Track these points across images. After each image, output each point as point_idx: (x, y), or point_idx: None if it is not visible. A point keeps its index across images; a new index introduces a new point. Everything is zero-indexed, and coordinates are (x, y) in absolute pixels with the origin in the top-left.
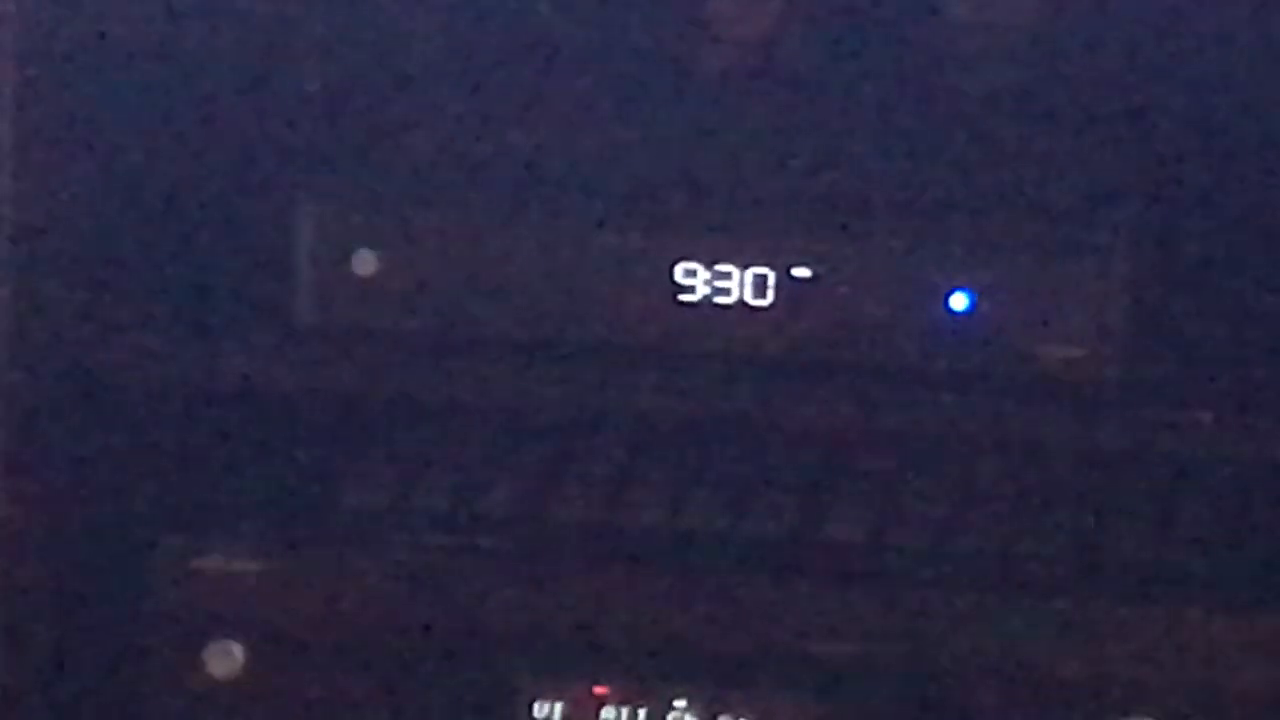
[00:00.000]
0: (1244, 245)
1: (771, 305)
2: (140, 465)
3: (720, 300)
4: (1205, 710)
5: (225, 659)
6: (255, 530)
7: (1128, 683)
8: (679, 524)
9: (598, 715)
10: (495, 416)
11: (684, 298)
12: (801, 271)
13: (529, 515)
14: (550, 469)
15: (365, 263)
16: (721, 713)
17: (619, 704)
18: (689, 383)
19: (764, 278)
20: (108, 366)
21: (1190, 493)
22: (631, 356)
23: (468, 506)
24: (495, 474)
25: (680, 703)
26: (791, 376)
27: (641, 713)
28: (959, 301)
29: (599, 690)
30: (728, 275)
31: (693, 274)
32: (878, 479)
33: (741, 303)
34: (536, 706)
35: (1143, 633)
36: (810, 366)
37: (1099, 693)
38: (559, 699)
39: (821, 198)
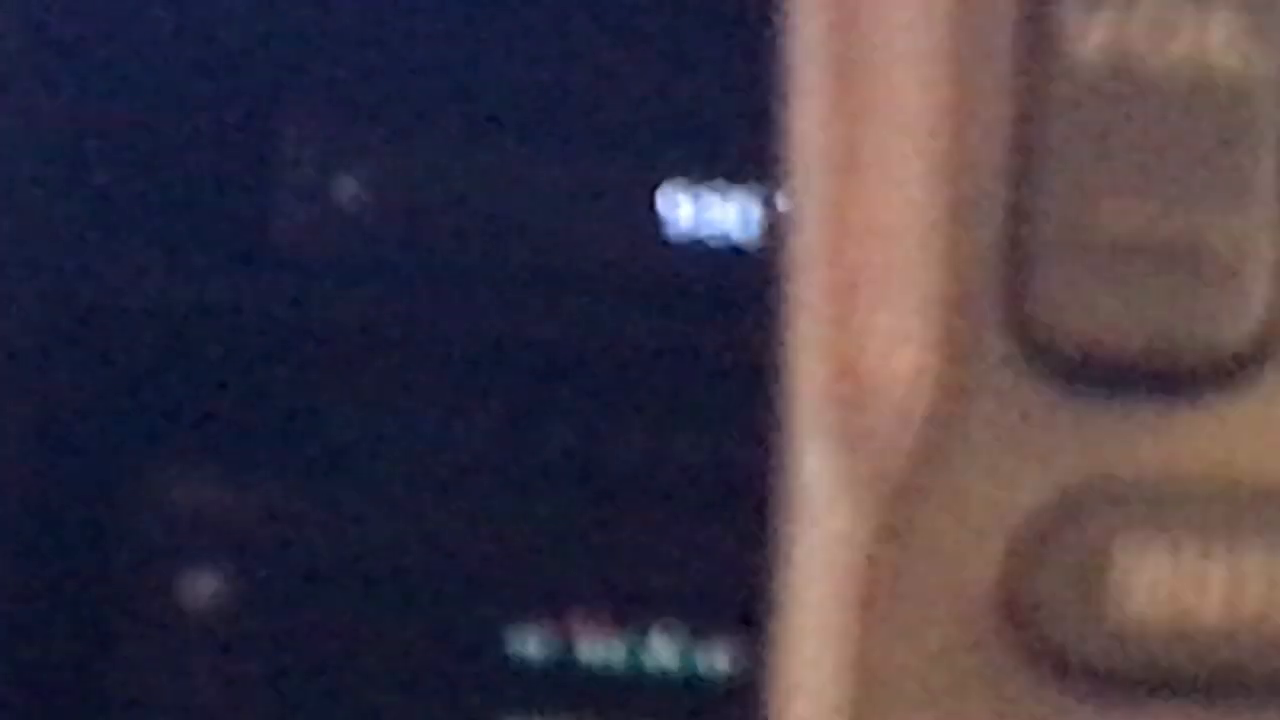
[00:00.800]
0: None
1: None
2: (115, 393)
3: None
4: None
5: (199, 589)
6: (232, 459)
7: None
8: (658, 457)
9: (574, 646)
10: (475, 348)
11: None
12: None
13: (508, 447)
14: (527, 404)
15: (346, 188)
16: (699, 648)
17: (594, 637)
18: (668, 318)
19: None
20: (84, 292)
21: None
22: (612, 289)
23: (443, 439)
24: (470, 409)
25: (658, 636)
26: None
27: (617, 645)
28: None
29: (574, 622)
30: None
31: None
32: None
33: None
34: (512, 637)
35: None
36: None
37: None
38: (533, 632)
39: None
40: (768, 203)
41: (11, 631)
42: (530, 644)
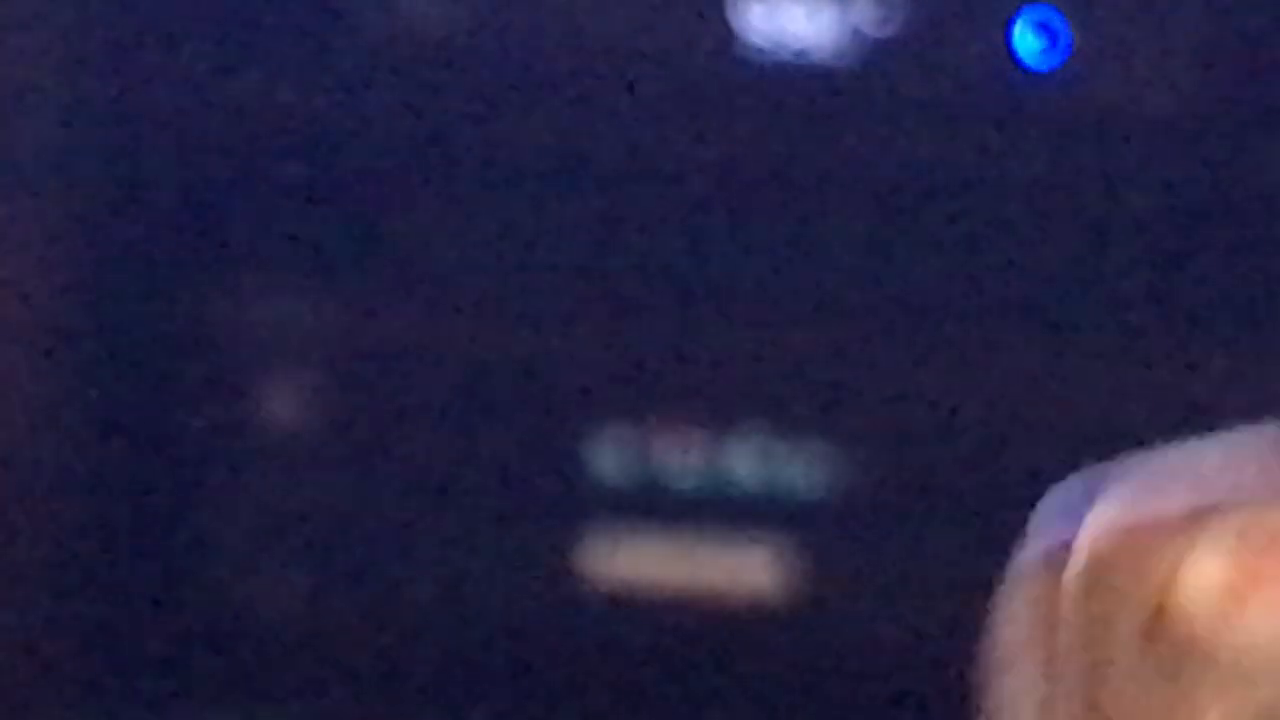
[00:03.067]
0: None
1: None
2: (194, 208)
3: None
4: None
5: (283, 402)
6: (313, 273)
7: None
8: (742, 268)
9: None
10: (555, 160)
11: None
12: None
13: (586, 262)
14: (603, 217)
15: (420, 6)
16: (784, 457)
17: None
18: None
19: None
20: (162, 105)
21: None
22: (681, 98)
23: (517, 250)
24: (545, 219)
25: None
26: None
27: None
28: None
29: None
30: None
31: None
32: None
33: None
34: (591, 447)
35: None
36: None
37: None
38: (614, 445)
39: None
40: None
41: (103, 445)
42: (610, 461)
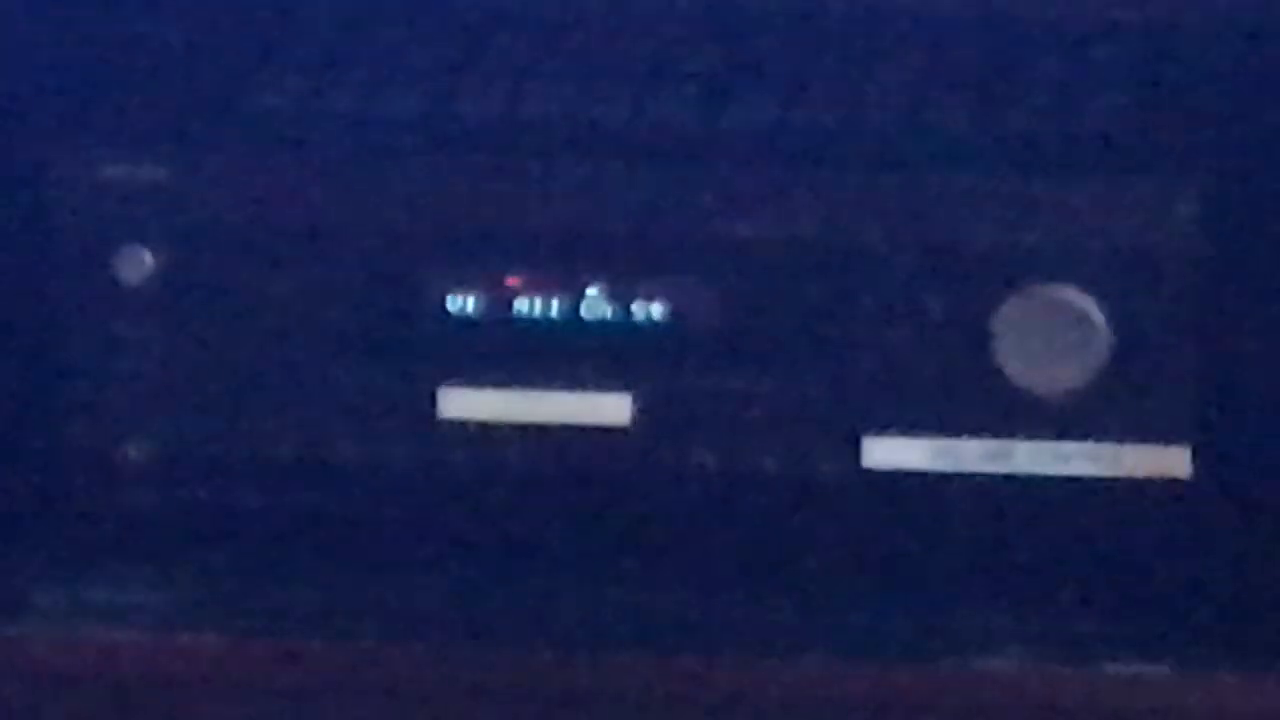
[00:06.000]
0: None
1: None
2: (38, 73)
3: None
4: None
5: (135, 265)
6: (160, 135)
7: (1041, 251)
8: (583, 114)
9: (511, 306)
10: (396, 13)
11: None
12: None
13: (435, 112)
14: (454, 64)
15: None
16: (633, 298)
17: (531, 294)
18: None
19: None
20: None
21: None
22: None
23: (374, 105)
24: (401, 72)
25: (592, 290)
26: None
27: (554, 301)
28: None
29: (511, 281)
30: None
31: None
32: (782, 61)
33: None
34: (449, 301)
35: (1054, 200)
36: None
37: (1014, 263)
38: (472, 292)
39: None
40: None
41: None
42: (469, 307)
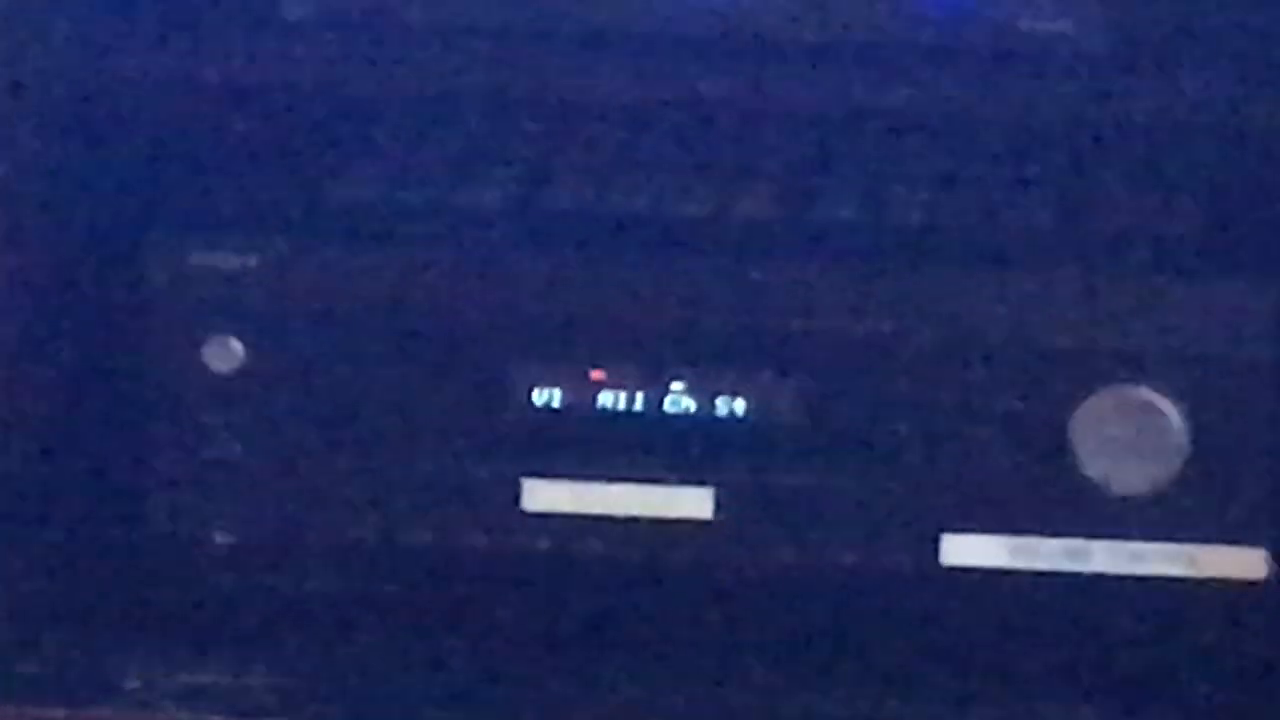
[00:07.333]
0: None
1: None
2: (131, 164)
3: None
4: (1199, 376)
5: (225, 354)
6: (248, 226)
7: (1120, 352)
8: (668, 210)
9: (595, 399)
10: (483, 107)
11: None
12: None
13: (521, 205)
14: (541, 157)
15: None
16: (716, 393)
17: (615, 388)
18: (675, 65)
19: None
20: (94, 65)
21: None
22: (619, 41)
23: (461, 197)
24: (485, 165)
25: (677, 385)
26: (779, 55)
27: (638, 395)
28: None
29: (596, 375)
30: None
31: None
32: (866, 159)
33: None
34: (535, 393)
35: (1134, 301)
36: (795, 44)
37: (1093, 362)
38: (557, 385)
39: None
40: None
41: (57, 402)
42: (554, 399)
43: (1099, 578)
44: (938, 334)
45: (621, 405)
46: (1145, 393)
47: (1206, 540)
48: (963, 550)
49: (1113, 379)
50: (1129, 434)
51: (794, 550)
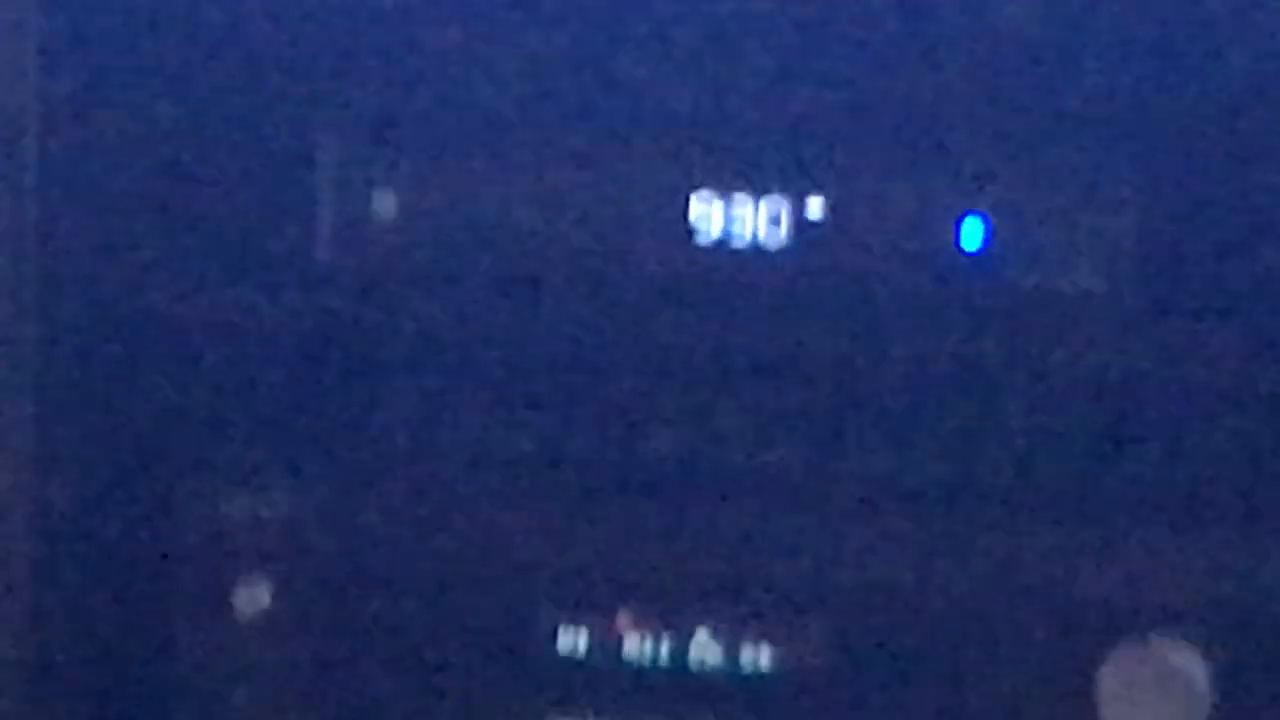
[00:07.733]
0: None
1: (785, 243)
2: (163, 408)
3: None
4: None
5: (253, 598)
6: (280, 470)
7: (1148, 603)
8: (697, 457)
9: (620, 646)
10: (512, 355)
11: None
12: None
13: (549, 450)
14: (568, 402)
15: (385, 202)
16: (741, 641)
17: (639, 634)
18: (702, 318)
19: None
20: (128, 310)
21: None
22: (646, 293)
23: (488, 439)
24: (516, 408)
25: (700, 632)
26: (804, 311)
27: (663, 643)
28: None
29: (620, 620)
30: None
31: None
32: (894, 413)
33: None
34: (560, 635)
35: (1163, 553)
36: (821, 301)
37: (1119, 613)
38: (580, 629)
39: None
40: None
41: (75, 646)
42: (579, 644)
43: None
44: (962, 584)
45: (646, 652)
46: (1170, 647)
47: None
48: None
49: (1137, 633)
50: (1153, 689)
51: None
